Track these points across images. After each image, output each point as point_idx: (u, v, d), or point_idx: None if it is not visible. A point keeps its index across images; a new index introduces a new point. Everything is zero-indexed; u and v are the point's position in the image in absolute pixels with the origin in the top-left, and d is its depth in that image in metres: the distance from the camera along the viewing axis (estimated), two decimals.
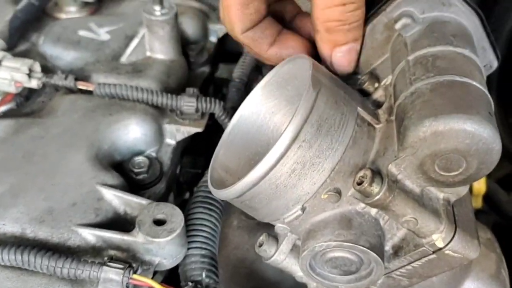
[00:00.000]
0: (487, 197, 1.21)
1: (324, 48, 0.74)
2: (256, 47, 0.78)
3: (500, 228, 1.45)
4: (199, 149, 1.00)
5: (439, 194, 0.62)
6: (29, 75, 0.88)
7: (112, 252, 0.66)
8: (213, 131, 0.93)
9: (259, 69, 1.08)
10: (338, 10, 0.69)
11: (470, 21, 0.72)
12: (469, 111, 0.56)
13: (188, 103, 0.87)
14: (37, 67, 0.90)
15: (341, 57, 0.73)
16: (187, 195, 1.03)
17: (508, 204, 1.28)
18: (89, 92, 0.88)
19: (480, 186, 1.16)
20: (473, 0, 0.74)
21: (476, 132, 0.54)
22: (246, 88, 1.02)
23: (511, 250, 1.06)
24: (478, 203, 1.21)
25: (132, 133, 0.83)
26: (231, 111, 0.90)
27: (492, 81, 1.06)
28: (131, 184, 0.79)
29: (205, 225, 0.74)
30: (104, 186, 0.71)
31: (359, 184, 0.58)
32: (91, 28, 1.04)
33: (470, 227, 0.62)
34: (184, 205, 0.81)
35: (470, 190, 1.21)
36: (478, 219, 1.32)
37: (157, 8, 0.94)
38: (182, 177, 0.98)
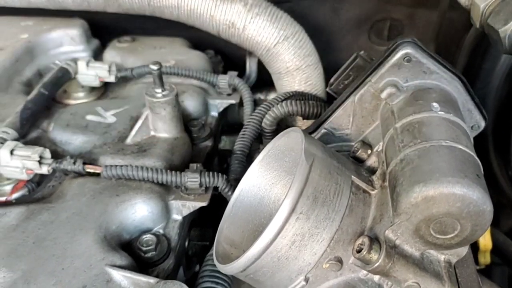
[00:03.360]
0: (497, 249, 1.20)
1: None
2: None
3: None
4: (206, 221, 1.02)
5: (439, 257, 0.63)
6: (40, 162, 0.92)
7: None
8: (220, 201, 0.95)
9: (259, 139, 1.12)
10: None
11: (452, 86, 0.76)
12: (457, 174, 0.58)
13: (192, 179, 0.90)
14: (47, 153, 0.94)
15: None
16: (197, 267, 1.04)
17: None
18: (97, 175, 0.92)
19: (486, 241, 1.16)
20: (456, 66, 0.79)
21: (466, 195, 0.57)
22: (248, 158, 1.06)
23: None
24: (486, 259, 1.20)
25: (139, 212, 0.86)
26: (234, 183, 0.93)
27: (488, 135, 1.09)
28: (140, 262, 0.81)
29: None
30: (113, 267, 0.73)
31: (358, 251, 0.60)
32: (98, 112, 1.10)
33: None
34: (195, 278, 0.82)
35: (477, 246, 1.20)
36: (493, 273, 1.31)
37: (158, 90, 0.99)
38: (191, 250, 0.99)
